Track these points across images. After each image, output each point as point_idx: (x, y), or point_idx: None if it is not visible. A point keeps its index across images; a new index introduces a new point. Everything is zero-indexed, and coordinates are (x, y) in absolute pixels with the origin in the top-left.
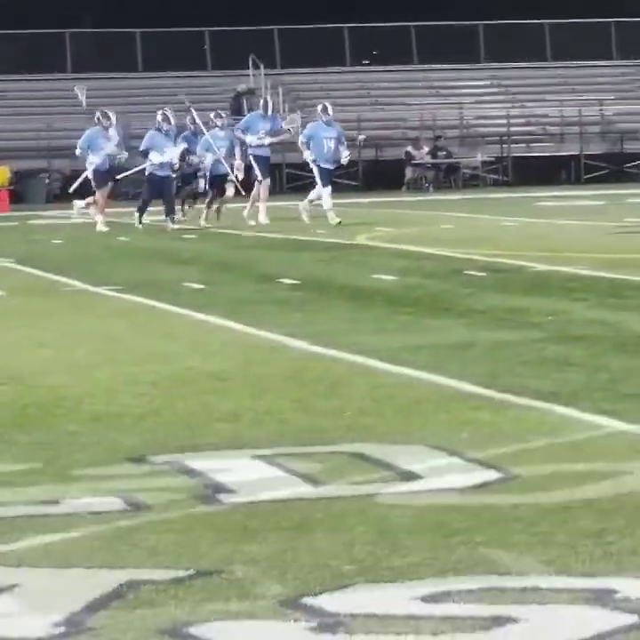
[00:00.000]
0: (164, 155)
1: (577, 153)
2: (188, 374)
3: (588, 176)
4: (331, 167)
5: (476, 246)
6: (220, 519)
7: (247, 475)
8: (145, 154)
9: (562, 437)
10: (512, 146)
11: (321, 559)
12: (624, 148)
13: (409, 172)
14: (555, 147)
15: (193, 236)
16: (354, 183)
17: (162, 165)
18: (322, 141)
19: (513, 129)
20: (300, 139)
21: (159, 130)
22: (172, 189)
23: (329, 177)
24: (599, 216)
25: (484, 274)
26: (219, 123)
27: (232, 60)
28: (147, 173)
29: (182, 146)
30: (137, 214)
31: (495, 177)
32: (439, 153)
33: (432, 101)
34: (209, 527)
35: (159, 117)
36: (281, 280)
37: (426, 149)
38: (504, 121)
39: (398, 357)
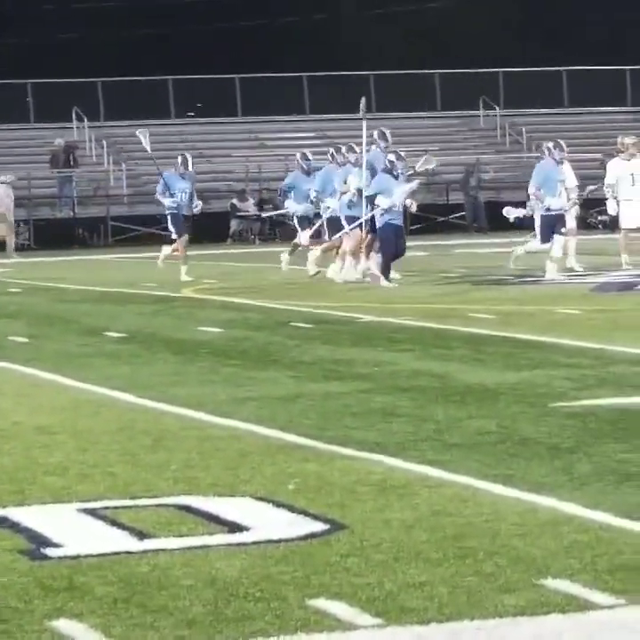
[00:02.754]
0: (392, 197)
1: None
2: (14, 429)
3: (413, 227)
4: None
5: (302, 298)
6: (45, 573)
7: (74, 528)
8: (371, 199)
9: (389, 488)
10: None
11: (148, 613)
12: (449, 199)
13: (234, 225)
14: None
15: (18, 290)
16: None
17: (391, 210)
18: (555, 184)
19: None
20: (533, 183)
21: (390, 171)
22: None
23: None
24: (424, 267)
25: (310, 325)
26: (351, 159)
27: (55, 113)
28: (379, 224)
29: (416, 182)
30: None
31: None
32: (265, 205)
33: (257, 153)
34: (35, 582)
35: (391, 157)
36: (108, 333)
37: (251, 201)
38: None
39: (225, 410)
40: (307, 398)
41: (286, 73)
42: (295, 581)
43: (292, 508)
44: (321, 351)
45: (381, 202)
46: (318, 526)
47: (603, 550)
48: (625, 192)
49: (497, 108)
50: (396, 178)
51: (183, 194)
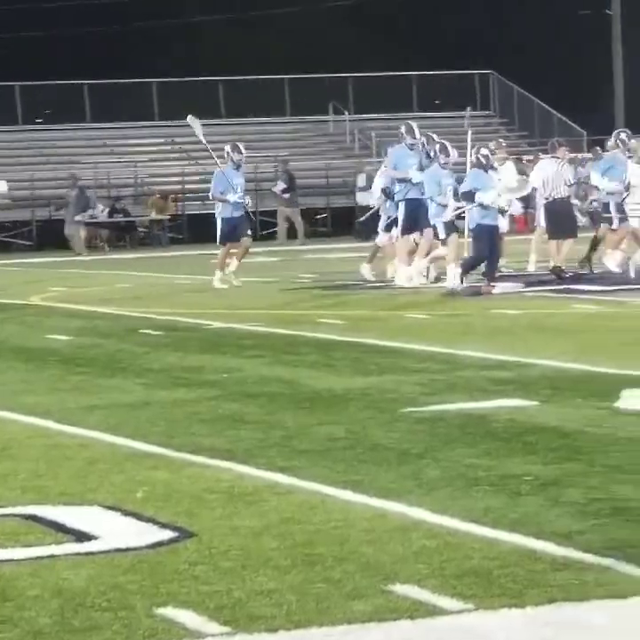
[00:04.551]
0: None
1: (253, 210)
2: None
3: (263, 232)
4: None
5: (152, 305)
6: None
7: None
8: (469, 196)
9: (237, 495)
10: (187, 203)
11: None
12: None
13: (84, 232)
14: None
15: None
16: (27, 243)
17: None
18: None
19: (188, 186)
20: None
21: (481, 166)
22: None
23: None
24: (274, 272)
25: (160, 332)
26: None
27: None
28: (473, 224)
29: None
30: (461, 274)
31: (171, 235)
32: (115, 214)
33: (106, 160)
34: None
35: (484, 151)
36: None
37: (101, 208)
38: (179, 178)
39: (73, 418)
40: (156, 406)
41: (135, 79)
42: (143, 590)
43: (140, 517)
44: (170, 358)
45: (484, 197)
46: (166, 534)
47: (451, 555)
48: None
49: (346, 113)
50: (488, 172)
51: (241, 190)
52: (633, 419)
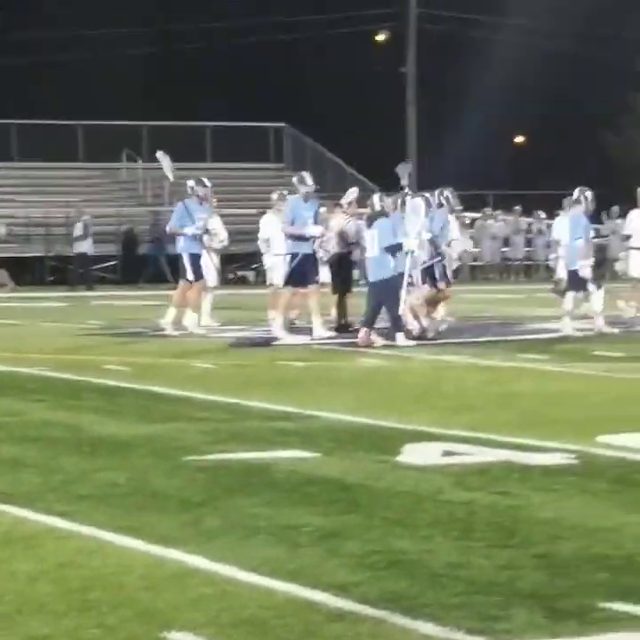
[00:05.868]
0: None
1: (42, 254)
2: None
3: (51, 277)
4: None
5: None
6: None
7: None
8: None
9: (15, 539)
10: None
11: None
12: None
13: None
14: (20, 248)
15: None
16: None
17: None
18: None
19: None
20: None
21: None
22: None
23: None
24: (62, 317)
25: None
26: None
27: None
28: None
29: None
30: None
31: None
32: None
33: None
34: None
35: (447, 193)
36: None
37: None
38: None
39: None
40: None
41: None
42: None
43: None
44: None
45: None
46: None
47: (227, 604)
48: None
49: (140, 160)
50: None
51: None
52: (413, 473)
